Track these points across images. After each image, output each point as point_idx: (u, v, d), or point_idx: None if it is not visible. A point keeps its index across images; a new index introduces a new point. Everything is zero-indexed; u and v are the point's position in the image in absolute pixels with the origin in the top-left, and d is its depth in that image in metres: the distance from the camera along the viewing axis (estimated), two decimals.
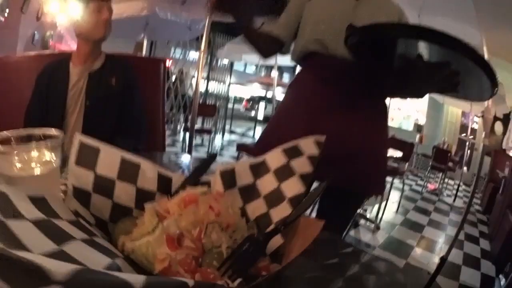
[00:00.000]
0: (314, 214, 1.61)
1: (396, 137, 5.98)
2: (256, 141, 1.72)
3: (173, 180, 0.72)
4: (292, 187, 0.68)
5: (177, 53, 11.10)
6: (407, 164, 5.81)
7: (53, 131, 0.78)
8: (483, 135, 3.35)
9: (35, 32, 7.17)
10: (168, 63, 13.01)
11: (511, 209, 4.65)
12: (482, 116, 3.38)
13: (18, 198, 0.48)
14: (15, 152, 0.69)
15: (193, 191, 0.65)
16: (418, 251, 4.39)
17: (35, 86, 1.96)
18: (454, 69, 1.12)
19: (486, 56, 3.00)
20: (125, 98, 2.01)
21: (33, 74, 1.98)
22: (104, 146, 0.70)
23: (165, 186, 0.70)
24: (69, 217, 0.54)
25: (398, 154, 4.63)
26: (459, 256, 4.44)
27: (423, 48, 1.12)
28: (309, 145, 0.74)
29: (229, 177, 0.72)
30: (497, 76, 1.05)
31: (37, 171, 0.70)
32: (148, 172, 0.69)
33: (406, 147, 5.59)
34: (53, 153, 0.74)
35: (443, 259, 3.05)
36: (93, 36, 1.94)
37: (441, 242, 4.92)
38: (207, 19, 3.92)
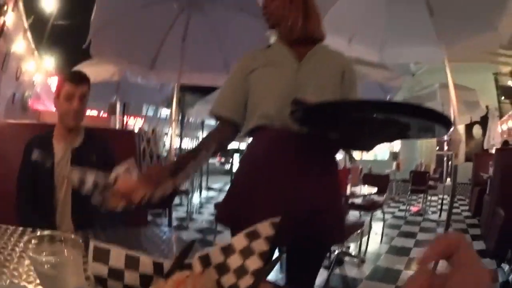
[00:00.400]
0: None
1: (371, 173, 6.21)
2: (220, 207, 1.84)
3: (164, 264, 0.90)
4: (254, 263, 0.87)
5: (149, 111, 11.48)
6: (384, 195, 6.06)
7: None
8: (453, 155, 3.60)
9: (15, 92, 7.41)
10: (141, 121, 13.34)
11: (500, 205, 4.84)
12: (450, 139, 3.65)
13: None
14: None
15: (181, 274, 0.85)
16: (408, 273, 4.44)
17: (24, 155, 2.15)
18: (403, 125, 1.30)
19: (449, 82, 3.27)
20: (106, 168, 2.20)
21: (18, 142, 2.23)
22: (112, 247, 0.92)
23: (159, 270, 0.90)
24: None
25: (373, 190, 4.89)
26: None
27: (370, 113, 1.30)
28: (265, 227, 0.90)
29: (205, 259, 0.91)
30: (450, 119, 1.26)
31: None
32: (146, 262, 0.90)
33: (381, 180, 5.86)
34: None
35: None
36: (64, 122, 2.17)
37: None
38: (176, 84, 4.25)
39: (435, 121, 1.31)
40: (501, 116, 11.82)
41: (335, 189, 1.77)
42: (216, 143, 1.71)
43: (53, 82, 11.26)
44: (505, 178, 5.02)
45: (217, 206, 5.28)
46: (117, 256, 0.95)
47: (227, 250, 0.90)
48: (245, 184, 1.68)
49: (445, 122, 1.30)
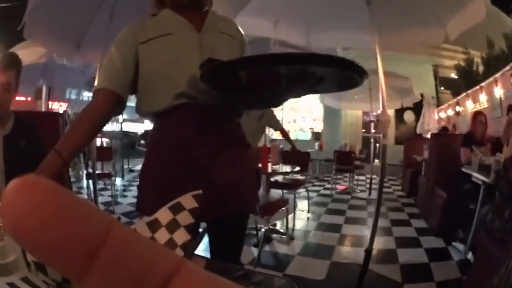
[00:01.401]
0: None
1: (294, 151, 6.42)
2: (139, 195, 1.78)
3: None
4: (181, 236, 0.89)
5: (72, 94, 11.50)
6: (307, 174, 6.24)
7: None
8: (381, 136, 3.75)
9: None
10: (64, 105, 13.25)
11: (438, 186, 5.33)
12: (377, 120, 3.85)
13: None
14: None
15: None
16: (342, 249, 4.71)
17: None
18: (317, 77, 1.33)
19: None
20: (36, 159, 2.27)
21: None
22: None
23: None
24: None
25: (295, 168, 5.09)
26: (390, 242, 4.85)
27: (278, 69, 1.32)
28: (188, 199, 0.93)
29: None
30: (362, 66, 1.28)
31: None
32: None
33: (301, 158, 6.00)
34: None
35: (367, 251, 3.28)
36: None
37: (366, 235, 4.97)
38: (98, 63, 4.40)
39: (349, 70, 1.35)
40: (439, 104, 12.66)
41: (247, 160, 1.82)
42: (100, 122, 1.64)
43: None
44: (442, 161, 5.50)
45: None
46: None
47: (153, 224, 0.91)
48: (166, 168, 1.64)
49: (359, 72, 1.33)
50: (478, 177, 4.07)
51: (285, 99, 1.57)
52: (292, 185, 5.58)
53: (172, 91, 1.57)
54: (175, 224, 0.91)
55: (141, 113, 1.72)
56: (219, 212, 1.62)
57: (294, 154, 6.08)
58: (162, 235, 0.90)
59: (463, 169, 4.63)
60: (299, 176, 6.01)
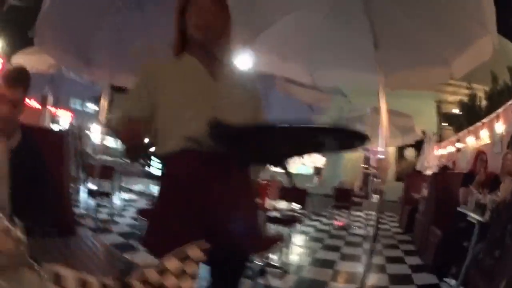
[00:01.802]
0: None
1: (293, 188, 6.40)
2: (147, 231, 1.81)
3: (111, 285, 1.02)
4: (187, 283, 0.99)
5: (77, 104, 11.58)
6: (304, 210, 6.26)
7: None
8: (379, 181, 3.78)
9: None
10: (69, 115, 13.30)
11: (435, 225, 5.30)
12: (378, 166, 3.87)
13: None
14: None
15: None
16: (334, 285, 4.67)
17: None
18: (318, 143, 1.45)
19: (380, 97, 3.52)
20: (40, 176, 2.23)
21: None
22: (63, 270, 1.03)
23: None
24: None
25: (294, 205, 5.10)
26: (383, 279, 4.82)
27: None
28: (195, 250, 1.03)
29: (144, 279, 1.00)
30: (362, 132, 1.40)
31: None
32: (95, 283, 1.01)
33: (298, 194, 5.93)
34: None
35: None
36: None
37: (360, 271, 4.85)
38: (107, 83, 4.41)
39: (349, 137, 1.49)
40: (440, 140, 12.63)
41: (253, 207, 1.90)
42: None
43: None
44: (440, 200, 5.47)
45: (140, 212, 5.47)
46: (70, 280, 1.07)
47: (162, 271, 1.00)
48: (172, 210, 1.69)
49: (360, 137, 1.45)
50: (473, 216, 4.07)
51: (289, 158, 1.64)
52: (288, 221, 5.51)
53: (183, 134, 1.58)
54: (182, 272, 1.00)
55: (159, 152, 1.76)
56: (223, 259, 1.64)
57: (293, 189, 6.03)
58: (170, 281, 0.99)
59: (458, 208, 4.60)
60: (295, 212, 5.95)
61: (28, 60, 5.95)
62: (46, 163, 2.30)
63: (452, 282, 4.41)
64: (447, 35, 3.78)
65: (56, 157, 2.67)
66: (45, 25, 4.04)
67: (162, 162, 1.80)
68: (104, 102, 4.44)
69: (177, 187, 1.67)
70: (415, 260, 5.83)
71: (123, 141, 1.74)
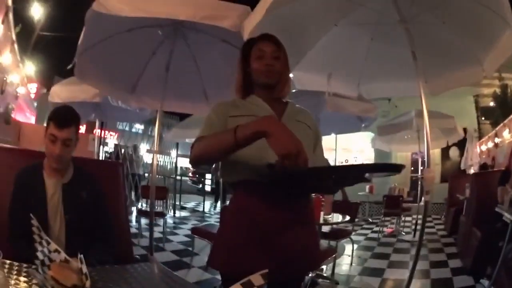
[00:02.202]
0: None
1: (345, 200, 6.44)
2: (213, 250, 1.98)
3: None
4: None
5: (124, 125, 11.86)
6: (352, 225, 6.27)
7: None
8: (424, 193, 3.77)
9: None
10: (115, 136, 13.61)
11: (475, 226, 5.24)
12: (423, 177, 3.87)
13: None
14: None
15: None
16: None
17: (15, 187, 2.14)
18: (362, 177, 1.54)
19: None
20: (96, 210, 2.28)
21: (5, 168, 2.30)
22: None
23: None
24: None
25: (345, 218, 5.11)
26: (426, 285, 4.84)
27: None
28: (257, 278, 1.11)
29: None
30: (401, 167, 1.49)
31: None
32: None
33: (351, 207, 6.08)
34: None
35: None
36: (49, 162, 2.18)
37: (406, 278, 5.18)
38: (158, 111, 4.54)
39: (388, 170, 1.63)
40: (480, 137, 12.34)
41: (313, 234, 1.98)
42: None
43: (33, 88, 11.52)
44: (480, 200, 5.41)
45: (193, 231, 5.57)
46: None
47: None
48: (238, 235, 1.77)
49: (395, 167, 1.52)
50: (507, 216, 4.00)
51: (339, 189, 1.86)
52: (337, 236, 5.53)
53: (251, 167, 1.72)
54: None
55: (226, 180, 1.90)
56: (282, 280, 1.74)
57: (345, 202, 6.07)
58: None
59: (496, 209, 4.50)
60: (344, 225, 5.98)
61: (72, 90, 6.19)
62: (102, 195, 2.38)
63: (486, 283, 4.40)
64: (475, 35, 3.88)
65: (113, 188, 2.71)
66: (85, 59, 4.11)
67: (231, 188, 1.90)
68: (157, 134, 4.56)
69: (242, 215, 1.79)
70: (457, 263, 5.79)
71: (192, 162, 1.81)
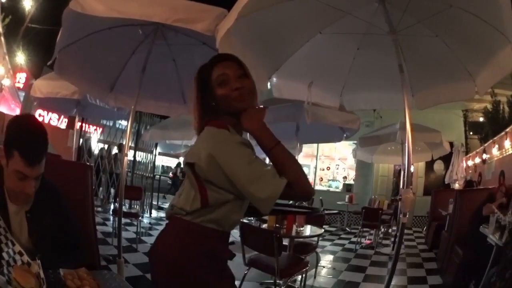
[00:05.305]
0: None
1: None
2: None
3: None
4: None
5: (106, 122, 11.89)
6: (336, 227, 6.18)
7: None
8: (400, 216, 3.69)
9: None
10: (99, 131, 13.45)
11: (457, 243, 5.17)
12: (401, 199, 3.75)
13: None
14: None
15: None
16: None
17: None
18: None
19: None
20: (62, 225, 2.07)
21: None
22: None
23: None
24: None
25: (319, 231, 5.00)
26: None
27: None
28: None
29: None
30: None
31: None
32: None
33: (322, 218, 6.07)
34: None
35: None
36: (12, 199, 1.90)
37: None
38: (132, 109, 4.36)
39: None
40: (467, 151, 12.21)
41: None
42: None
43: (22, 78, 11.39)
44: (464, 218, 5.34)
45: None
46: None
47: None
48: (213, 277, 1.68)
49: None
50: (491, 238, 3.96)
51: None
52: (303, 250, 5.29)
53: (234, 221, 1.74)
54: None
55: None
56: None
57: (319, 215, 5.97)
58: None
59: (480, 229, 4.48)
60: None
61: (53, 86, 6.08)
62: (68, 214, 2.17)
63: None
64: (471, 49, 3.71)
65: (80, 192, 2.61)
66: (65, 56, 4.03)
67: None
68: (129, 130, 4.38)
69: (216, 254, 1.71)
70: (437, 280, 5.70)
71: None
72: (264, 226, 5.14)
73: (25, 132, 1.82)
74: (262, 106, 1.66)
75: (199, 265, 1.62)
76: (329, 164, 15.45)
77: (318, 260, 5.72)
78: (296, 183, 1.54)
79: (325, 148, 15.01)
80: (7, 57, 8.87)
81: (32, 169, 1.78)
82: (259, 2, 2.91)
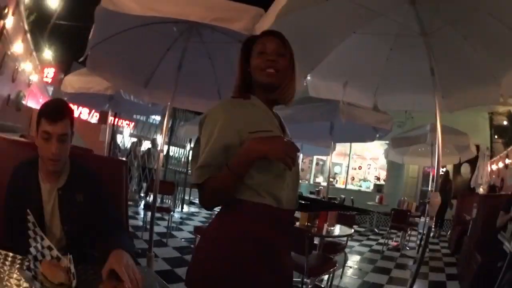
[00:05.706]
0: None
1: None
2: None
3: None
4: None
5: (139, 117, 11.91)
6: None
7: None
8: (427, 219, 3.65)
9: (9, 94, 7.59)
10: (131, 125, 13.55)
11: (477, 249, 5.05)
12: (429, 202, 3.72)
13: None
14: None
15: None
16: None
17: (11, 184, 1.95)
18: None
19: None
20: (97, 212, 2.01)
21: (5, 158, 2.11)
22: None
23: None
24: None
25: (350, 231, 4.99)
26: None
27: None
28: None
29: None
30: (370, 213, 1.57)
31: None
32: None
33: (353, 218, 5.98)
34: None
35: None
36: (44, 164, 1.94)
37: None
38: (169, 105, 4.40)
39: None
40: (492, 155, 12.04)
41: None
42: None
43: (50, 73, 11.57)
44: (485, 224, 5.19)
45: (196, 229, 5.50)
46: None
47: None
48: (245, 262, 1.57)
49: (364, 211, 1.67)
50: (507, 246, 3.88)
51: None
52: (332, 250, 5.29)
53: (271, 193, 1.59)
54: None
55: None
56: None
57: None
58: None
59: (498, 236, 4.39)
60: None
61: (85, 81, 6.12)
62: (103, 197, 2.12)
63: None
64: (497, 54, 3.71)
65: (115, 189, 2.58)
66: (98, 52, 4.05)
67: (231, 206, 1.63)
68: (166, 124, 4.43)
69: (250, 239, 1.58)
70: (455, 286, 5.66)
71: (206, 207, 1.77)
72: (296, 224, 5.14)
73: (48, 101, 2.09)
74: (292, 141, 1.56)
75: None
76: (361, 164, 15.45)
77: (346, 260, 5.68)
78: (209, 195, 1.60)
79: (357, 147, 14.94)
80: (34, 53, 9.08)
81: (54, 126, 1.85)
82: (296, 3, 2.93)
